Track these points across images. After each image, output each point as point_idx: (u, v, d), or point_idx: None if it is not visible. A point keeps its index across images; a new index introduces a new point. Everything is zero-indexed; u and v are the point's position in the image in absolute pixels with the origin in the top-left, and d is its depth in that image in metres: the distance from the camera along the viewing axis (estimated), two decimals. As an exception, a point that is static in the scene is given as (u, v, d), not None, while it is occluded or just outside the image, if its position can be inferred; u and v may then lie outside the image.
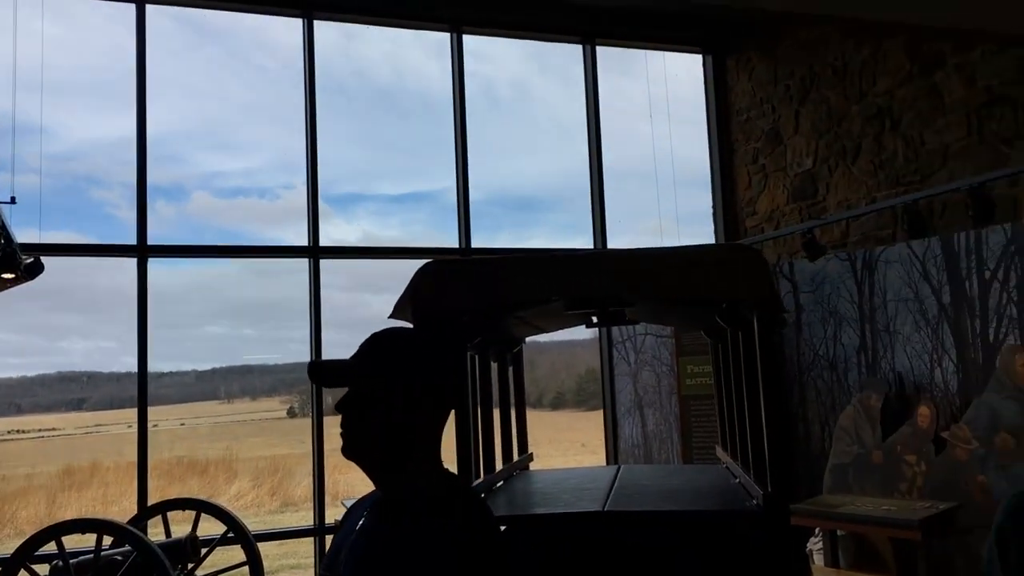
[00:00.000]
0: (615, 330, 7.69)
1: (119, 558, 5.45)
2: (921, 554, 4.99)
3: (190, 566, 5.94)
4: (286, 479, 19.89)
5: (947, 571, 5.15)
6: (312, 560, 7.86)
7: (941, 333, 5.49)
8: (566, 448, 25.38)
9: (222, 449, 25.53)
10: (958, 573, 5.13)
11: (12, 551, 5.35)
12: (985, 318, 5.21)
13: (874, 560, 5.58)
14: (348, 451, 1.74)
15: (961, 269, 5.36)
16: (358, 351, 1.80)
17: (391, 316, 2.87)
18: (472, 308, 2.60)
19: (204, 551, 5.99)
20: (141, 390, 6.57)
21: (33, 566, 5.36)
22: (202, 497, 7.16)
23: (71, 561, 5.39)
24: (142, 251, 6.59)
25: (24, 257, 4.99)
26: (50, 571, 5.55)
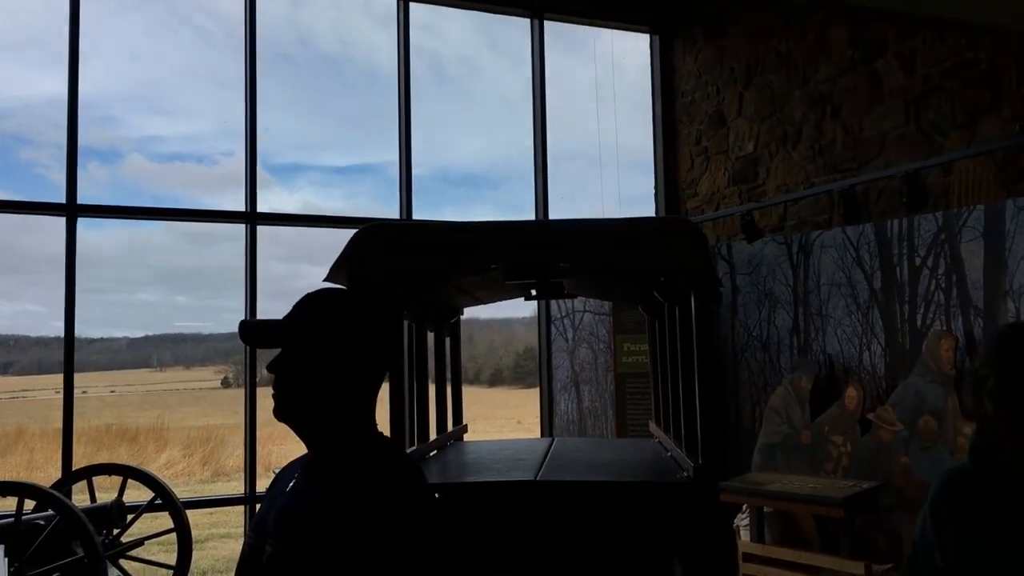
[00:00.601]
0: (554, 307, 7.70)
1: (41, 523, 5.30)
2: (843, 531, 5.11)
3: (115, 532, 5.81)
4: (218, 449, 19.63)
5: (868, 547, 5.28)
6: (243, 529, 7.77)
7: (871, 317, 5.60)
8: (501, 425, 25.47)
9: (153, 418, 25.09)
10: (878, 549, 5.27)
11: (-73, 514, 5.17)
12: (914, 304, 5.32)
13: (798, 537, 5.70)
14: (280, 413, 1.70)
15: (893, 255, 5.47)
16: (291, 311, 1.76)
17: (326, 280, 2.81)
18: (409, 273, 2.56)
19: (130, 517, 5.87)
20: (68, 352, 6.38)
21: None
22: (130, 463, 7.02)
23: (-11, 525, 5.23)
24: (71, 210, 6.38)
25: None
26: (-33, 535, 5.38)
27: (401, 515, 1.56)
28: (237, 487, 17.01)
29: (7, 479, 17.49)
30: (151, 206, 6.81)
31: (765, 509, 5.83)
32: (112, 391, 31.08)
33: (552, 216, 7.85)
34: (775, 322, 6.19)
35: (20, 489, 5.14)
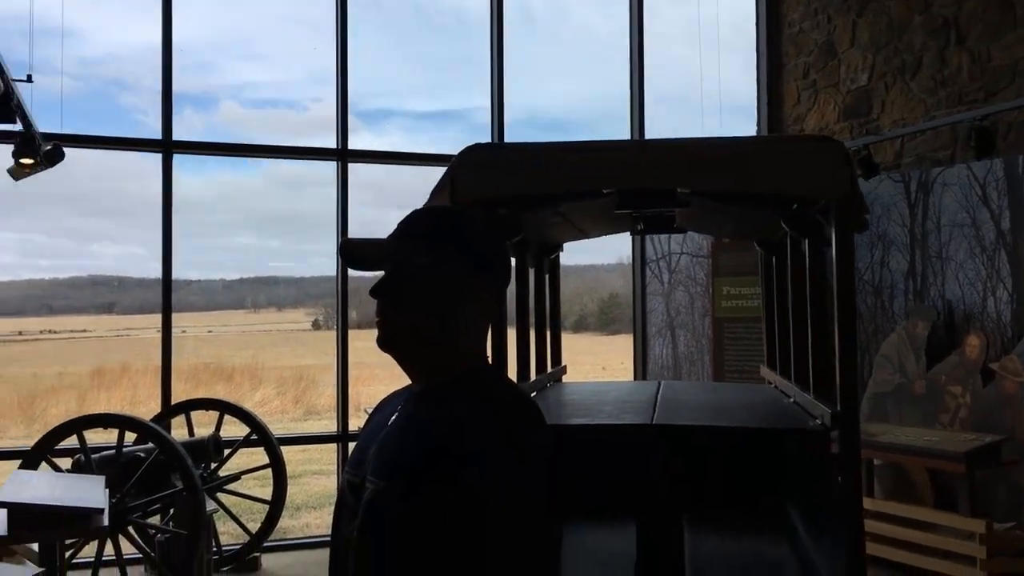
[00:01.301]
0: (649, 248, 7.40)
1: (141, 455, 5.34)
2: (963, 487, 4.77)
3: (212, 466, 5.84)
4: (310, 388, 19.99)
5: (989, 503, 4.93)
6: (334, 466, 7.78)
7: (997, 261, 5.16)
8: (587, 371, 25.32)
9: (248, 357, 25.73)
10: (1000, 505, 4.91)
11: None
12: (1048, 245, 4.88)
13: (910, 491, 5.37)
14: (385, 341, 1.49)
15: (1023, 194, 5.01)
16: (397, 229, 1.54)
17: (427, 205, 2.60)
18: (517, 196, 2.33)
19: (227, 452, 5.88)
20: (165, 287, 6.39)
21: (55, 459, 5.26)
22: (226, 398, 7.06)
23: (93, 456, 5.29)
24: (167, 147, 6.34)
25: (44, 144, 4.75)
26: (72, 465, 5.45)
27: (515, 451, 1.35)
28: (329, 426, 17.33)
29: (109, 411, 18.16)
30: (246, 143, 6.72)
31: (876, 461, 5.51)
32: (209, 331, 32.00)
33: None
34: (889, 265, 5.79)
35: (121, 422, 5.17)
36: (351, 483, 1.51)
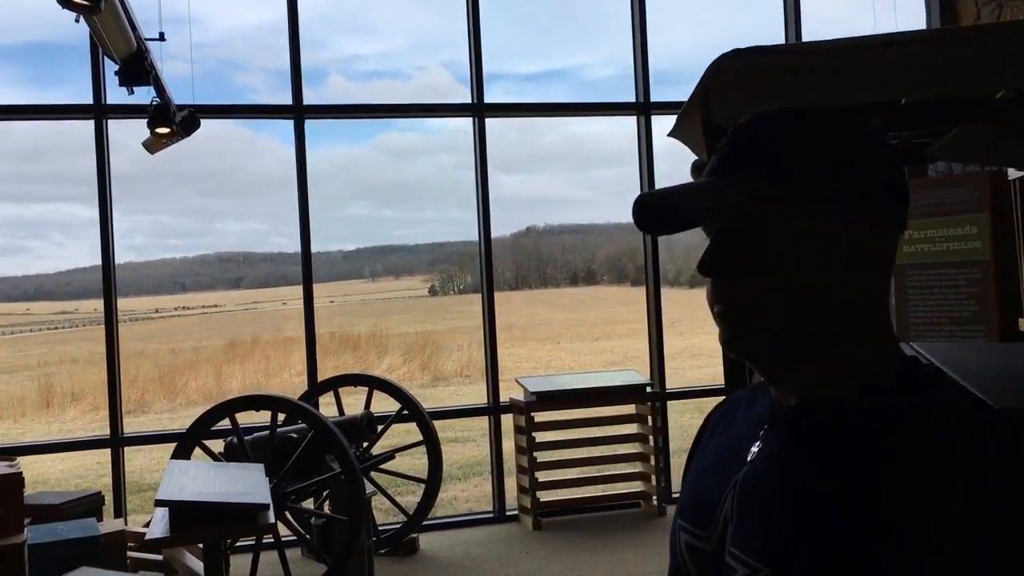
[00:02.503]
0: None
1: (295, 436, 5.00)
2: None
3: (365, 445, 5.48)
4: (435, 354, 19.85)
5: None
6: (478, 434, 7.33)
7: None
8: (711, 326, 24.37)
9: (370, 325, 25.86)
10: None
11: (187, 427, 4.98)
12: None
13: None
14: (737, 336, 0.91)
15: None
16: (727, 154, 0.95)
17: (671, 134, 2.02)
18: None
19: (379, 428, 5.50)
20: (305, 262, 6.04)
21: (206, 442, 4.99)
22: (373, 373, 6.70)
23: (245, 438, 4.98)
24: (299, 112, 5.95)
25: (178, 112, 4.39)
26: (225, 448, 5.17)
27: None
28: (456, 392, 17.11)
29: (250, 386, 18.38)
30: (373, 103, 6.28)
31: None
32: (331, 301, 32.46)
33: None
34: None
35: (274, 403, 4.83)
36: (695, 548, 0.95)
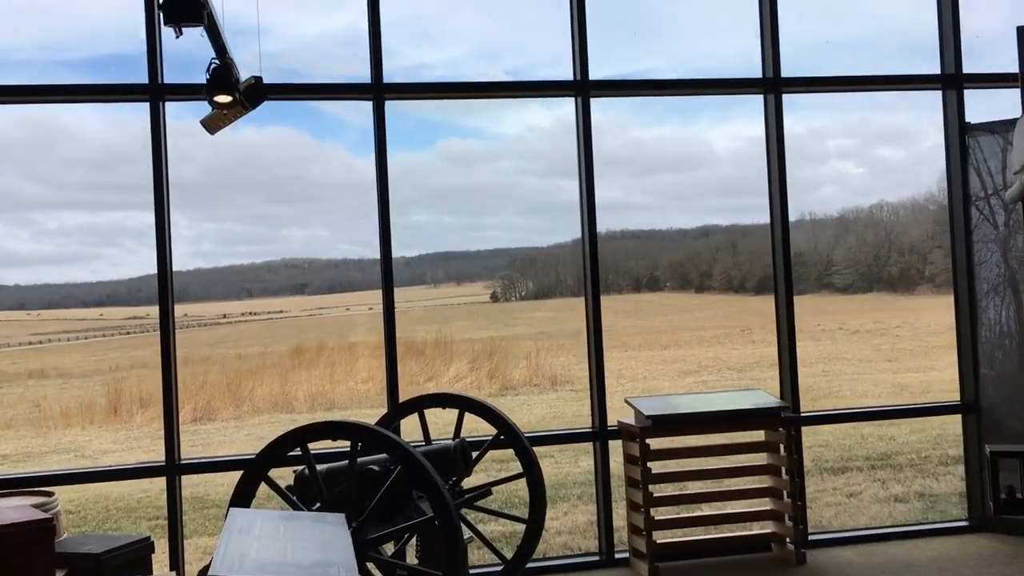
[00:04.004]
0: (975, 182, 5.54)
1: (376, 468, 4.10)
2: None
3: (453, 479, 4.55)
4: (503, 362, 18.90)
5: None
6: (567, 452, 6.36)
7: None
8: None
9: (434, 331, 25.06)
10: None
11: (253, 452, 4.11)
12: None
13: None
14: None
15: None
16: None
17: None
18: None
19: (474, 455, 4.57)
20: (386, 266, 5.16)
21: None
22: (466, 393, 5.78)
23: (319, 468, 4.10)
24: (378, 91, 5.08)
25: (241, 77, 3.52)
26: (295, 480, 4.29)
27: None
28: (526, 402, 16.12)
29: (316, 393, 17.66)
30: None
31: None
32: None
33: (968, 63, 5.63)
34: None
35: (352, 431, 3.92)
36: None
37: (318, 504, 4.09)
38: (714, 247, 36.15)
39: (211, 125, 3.76)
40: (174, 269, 4.90)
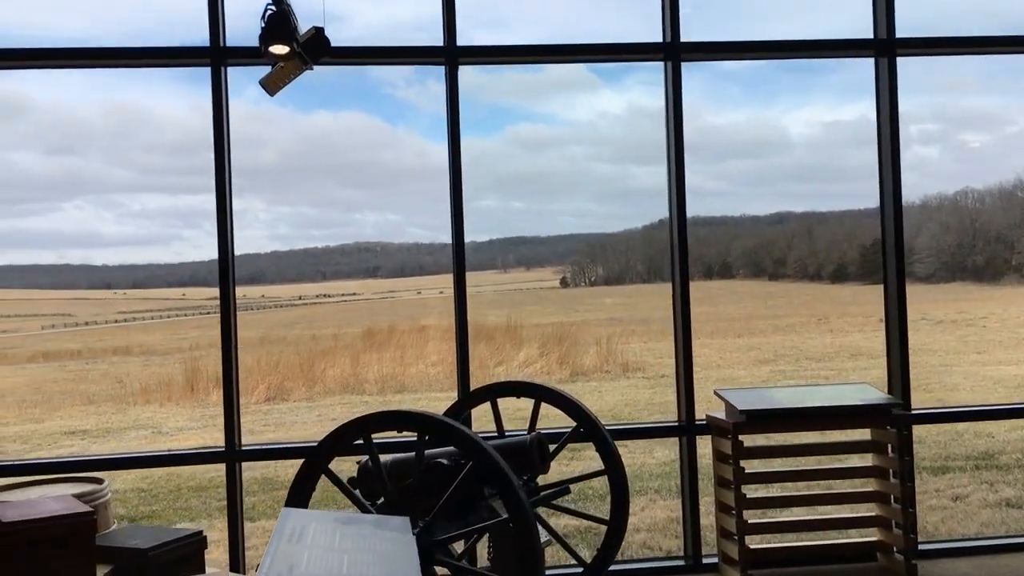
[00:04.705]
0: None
1: (445, 462, 3.69)
2: None
3: (526, 477, 4.11)
4: (573, 348, 18.42)
5: None
6: (677, 465, 5.86)
7: None
8: (861, 323, 22.07)
9: (504, 316, 24.75)
10: None
11: (318, 439, 3.76)
12: None
13: None
14: None
15: None
16: None
17: None
18: None
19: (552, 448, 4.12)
20: (458, 248, 4.75)
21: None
22: (537, 380, 5.35)
23: (384, 459, 3.72)
24: (451, 54, 4.65)
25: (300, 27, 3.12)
26: (358, 472, 3.92)
27: None
28: (597, 388, 15.62)
29: (386, 376, 17.45)
30: (541, 43, 4.89)
31: None
32: (464, 292, 31.54)
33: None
34: None
35: (420, 422, 3.51)
36: None
37: (381, 499, 3.72)
38: (789, 234, 34.92)
39: (270, 85, 3.39)
40: (252, 251, 4.59)
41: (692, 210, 5.06)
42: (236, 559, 4.46)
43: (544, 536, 3.83)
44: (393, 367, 17.95)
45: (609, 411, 12.60)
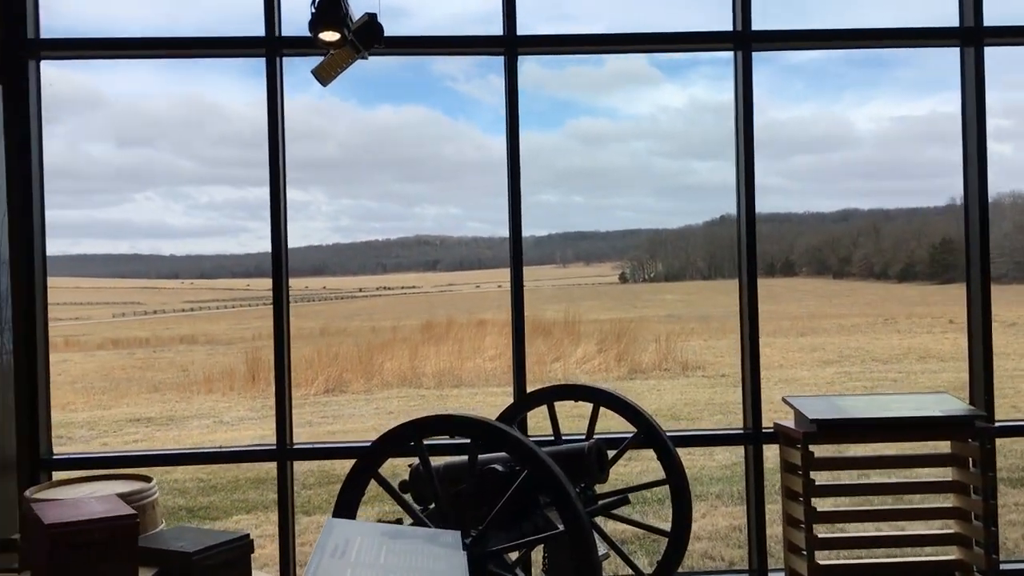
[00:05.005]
0: None
1: (499, 468, 3.52)
2: None
3: (583, 485, 3.92)
4: (631, 345, 18.12)
5: None
6: (737, 466, 5.60)
7: None
8: (930, 324, 21.29)
9: (562, 311, 24.54)
10: None
11: (370, 442, 3.62)
12: None
13: None
14: None
15: None
16: None
17: None
18: None
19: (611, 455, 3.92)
20: (515, 241, 4.57)
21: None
22: (596, 384, 5.14)
23: (436, 463, 3.57)
24: (510, 43, 4.47)
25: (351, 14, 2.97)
26: (409, 475, 3.77)
27: None
28: (656, 386, 15.30)
29: (443, 370, 17.38)
30: (593, 32, 4.68)
31: None
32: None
33: None
34: None
35: (474, 428, 3.35)
36: None
37: (432, 505, 3.57)
38: (855, 232, 33.92)
39: (322, 73, 3.25)
40: (314, 243, 4.50)
41: (756, 206, 4.78)
42: (287, 559, 4.37)
43: (602, 548, 3.64)
44: (451, 360, 17.90)
45: (668, 410, 12.31)
